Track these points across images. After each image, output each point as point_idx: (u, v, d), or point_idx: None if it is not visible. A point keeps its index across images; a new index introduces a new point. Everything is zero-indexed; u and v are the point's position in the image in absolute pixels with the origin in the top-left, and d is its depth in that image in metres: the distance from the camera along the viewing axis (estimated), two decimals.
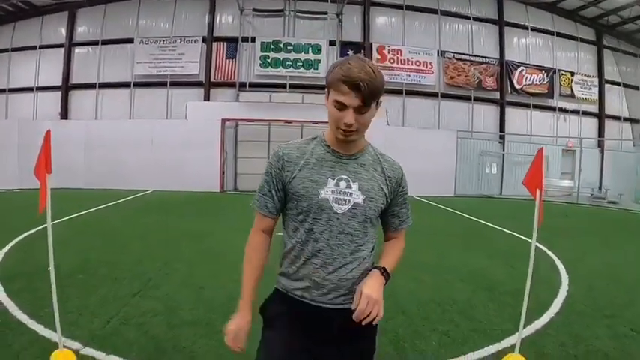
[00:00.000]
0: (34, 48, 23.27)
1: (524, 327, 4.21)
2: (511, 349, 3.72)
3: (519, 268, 6.08)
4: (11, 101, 23.45)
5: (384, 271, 1.72)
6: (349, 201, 1.70)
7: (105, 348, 3.67)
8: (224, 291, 5.30)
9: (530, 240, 9.10)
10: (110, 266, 6.34)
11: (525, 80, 24.05)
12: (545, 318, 4.74)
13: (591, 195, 21.53)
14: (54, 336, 3.75)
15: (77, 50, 23.10)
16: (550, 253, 8.07)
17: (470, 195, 20.85)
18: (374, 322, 1.62)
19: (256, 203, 1.82)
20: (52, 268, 3.49)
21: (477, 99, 23.66)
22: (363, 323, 1.60)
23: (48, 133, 3.09)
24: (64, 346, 3.48)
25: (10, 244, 7.39)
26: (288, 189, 1.76)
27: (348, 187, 1.70)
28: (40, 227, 8.80)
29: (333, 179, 1.71)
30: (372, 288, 1.62)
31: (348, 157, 1.74)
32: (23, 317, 4.30)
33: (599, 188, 22.90)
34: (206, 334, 4.08)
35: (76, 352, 3.51)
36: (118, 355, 3.58)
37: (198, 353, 3.67)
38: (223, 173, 20.51)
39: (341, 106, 1.59)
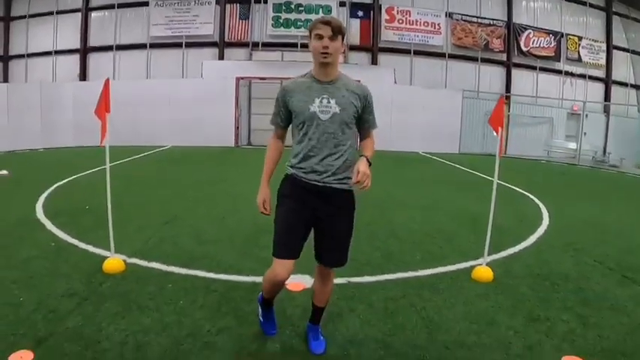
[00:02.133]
0: (50, 14, 23.62)
1: (498, 253, 5.00)
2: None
3: (502, 210, 6.65)
4: (30, 65, 24.05)
5: (367, 158, 2.53)
6: (329, 111, 2.54)
7: (147, 258, 4.53)
8: (242, 220, 6.28)
9: (518, 189, 9.80)
10: (141, 205, 7.23)
11: (532, 43, 24.00)
12: (519, 247, 5.50)
13: (593, 158, 21.75)
14: (103, 252, 4.60)
15: (94, 14, 23.43)
16: (538, 201, 8.71)
17: (474, 153, 21.21)
18: (365, 189, 2.42)
19: (272, 119, 2.75)
20: (108, 191, 4.29)
21: (484, 60, 23.72)
22: (359, 187, 2.40)
23: (107, 80, 3.84)
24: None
25: (47, 192, 8.12)
26: (290, 109, 2.63)
27: (328, 102, 2.54)
28: (69, 178, 9.67)
29: (318, 98, 2.55)
30: (364, 167, 2.40)
31: (327, 82, 2.57)
32: (73, 241, 5.13)
33: (604, 152, 23.07)
34: (228, 248, 5.04)
35: (124, 261, 4.34)
36: (158, 262, 4.43)
37: (223, 260, 4.57)
38: (238, 129, 21.13)
39: (319, 37, 2.46)
